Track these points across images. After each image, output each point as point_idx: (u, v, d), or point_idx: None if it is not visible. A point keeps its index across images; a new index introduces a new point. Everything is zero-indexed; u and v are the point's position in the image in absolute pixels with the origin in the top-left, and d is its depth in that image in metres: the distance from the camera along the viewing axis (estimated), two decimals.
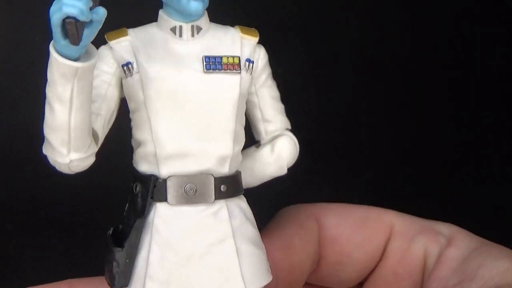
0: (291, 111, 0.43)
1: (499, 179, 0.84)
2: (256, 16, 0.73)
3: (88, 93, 0.35)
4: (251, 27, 0.41)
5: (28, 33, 0.70)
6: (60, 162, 0.36)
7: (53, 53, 0.33)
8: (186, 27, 0.38)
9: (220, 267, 0.37)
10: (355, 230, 0.47)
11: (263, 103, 0.41)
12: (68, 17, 0.31)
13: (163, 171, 0.38)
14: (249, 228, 0.39)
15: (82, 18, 0.31)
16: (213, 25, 0.40)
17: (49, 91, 0.34)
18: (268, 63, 0.41)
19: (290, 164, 0.42)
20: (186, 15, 0.38)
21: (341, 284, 0.48)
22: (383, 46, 0.79)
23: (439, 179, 0.82)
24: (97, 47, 0.37)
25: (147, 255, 0.37)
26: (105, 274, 0.38)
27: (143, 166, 0.38)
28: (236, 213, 0.38)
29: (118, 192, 0.40)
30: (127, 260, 0.37)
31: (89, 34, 0.33)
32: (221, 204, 0.38)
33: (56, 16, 0.31)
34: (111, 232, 0.39)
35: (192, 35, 0.39)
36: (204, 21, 0.39)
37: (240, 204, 0.39)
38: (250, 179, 0.41)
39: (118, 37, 0.38)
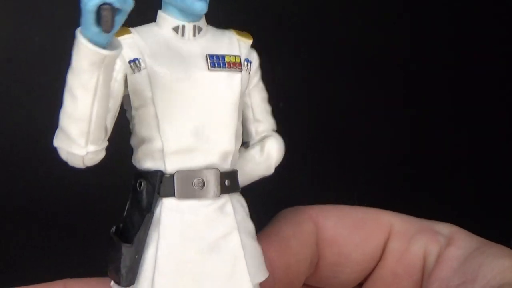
0: (291, 111, 0.43)
1: (499, 179, 0.84)
2: (256, 16, 0.74)
3: (109, 84, 0.35)
4: (248, 29, 0.41)
5: (28, 33, 0.70)
6: (77, 153, 0.36)
7: (82, 40, 0.33)
8: (189, 27, 0.39)
9: (228, 260, 0.37)
10: (353, 231, 0.46)
11: (255, 104, 0.42)
12: (104, 3, 0.32)
13: (170, 167, 0.38)
14: (249, 224, 0.39)
15: (117, 5, 0.32)
16: (209, 27, 0.40)
17: (73, 79, 0.34)
18: (259, 66, 0.42)
19: (277, 163, 0.43)
20: (189, 15, 0.38)
21: (340, 286, 0.48)
22: (383, 46, 0.79)
23: (439, 179, 0.82)
24: None
25: (155, 251, 0.37)
26: (109, 272, 0.38)
27: (147, 163, 0.38)
28: (238, 208, 0.39)
29: (118, 192, 0.40)
30: (136, 256, 0.37)
31: (118, 22, 0.33)
32: (226, 198, 0.38)
33: (92, 2, 0.32)
34: (114, 230, 0.39)
35: (194, 35, 0.39)
36: (203, 22, 0.40)
37: (240, 200, 0.40)
38: (240, 178, 0.41)
39: (121, 35, 0.38)
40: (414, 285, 0.45)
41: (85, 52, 0.33)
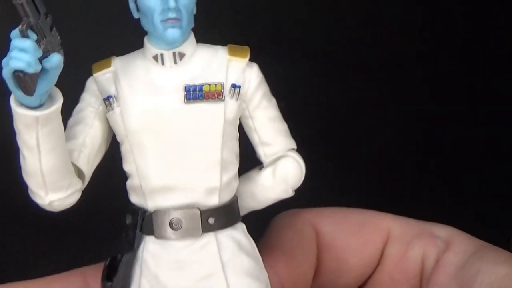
0: (290, 111, 0.43)
1: (499, 179, 0.84)
2: (257, 17, 0.74)
3: (59, 136, 0.35)
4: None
5: None
6: (40, 203, 0.37)
7: (12, 104, 0.33)
8: (168, 55, 0.37)
9: None
10: (351, 236, 0.46)
11: (259, 126, 0.39)
12: (16, 71, 0.31)
13: (150, 204, 0.37)
14: (244, 260, 0.37)
15: (30, 70, 0.31)
16: (200, 46, 0.39)
17: (18, 139, 0.35)
18: (262, 83, 0.39)
19: (296, 186, 0.40)
20: (166, 43, 0.37)
21: None
22: (383, 46, 0.79)
23: (439, 179, 0.82)
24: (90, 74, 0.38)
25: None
26: None
27: (133, 198, 0.39)
28: (227, 245, 0.37)
29: (119, 193, 0.40)
30: None
31: (45, 82, 0.32)
32: (210, 237, 0.37)
33: (5, 70, 0.32)
34: (108, 262, 0.38)
35: (175, 62, 0.38)
36: (188, 46, 0.38)
37: (233, 235, 0.38)
38: (253, 203, 0.40)
39: (102, 69, 0.38)
40: None
41: (17, 115, 0.33)
